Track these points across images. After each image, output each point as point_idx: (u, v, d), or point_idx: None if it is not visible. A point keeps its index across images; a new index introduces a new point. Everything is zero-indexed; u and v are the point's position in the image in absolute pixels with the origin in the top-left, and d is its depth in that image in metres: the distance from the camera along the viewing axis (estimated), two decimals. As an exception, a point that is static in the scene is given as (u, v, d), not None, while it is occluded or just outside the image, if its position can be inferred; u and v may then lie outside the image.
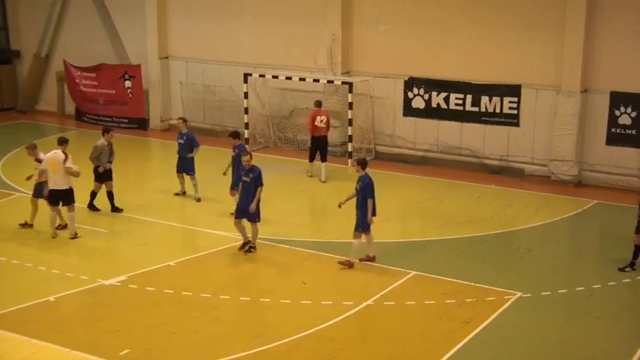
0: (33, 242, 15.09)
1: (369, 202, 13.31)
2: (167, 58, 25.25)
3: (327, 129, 19.68)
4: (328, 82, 21.68)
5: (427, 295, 12.59)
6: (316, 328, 11.39)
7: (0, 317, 11.65)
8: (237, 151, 15.94)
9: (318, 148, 19.58)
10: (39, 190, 15.72)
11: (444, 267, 13.81)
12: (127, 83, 25.41)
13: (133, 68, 25.33)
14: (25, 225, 15.75)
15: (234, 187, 15.58)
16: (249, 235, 14.37)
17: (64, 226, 15.56)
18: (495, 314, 11.92)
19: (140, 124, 25.51)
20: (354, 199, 13.63)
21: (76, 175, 15.19)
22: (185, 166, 17.83)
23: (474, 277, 13.35)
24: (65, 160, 15.18)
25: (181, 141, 17.88)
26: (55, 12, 27.37)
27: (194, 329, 11.41)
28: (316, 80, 21.63)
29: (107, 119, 25.88)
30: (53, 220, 15.32)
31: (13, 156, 22.13)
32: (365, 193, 13.34)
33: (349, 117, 21.09)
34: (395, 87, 21.58)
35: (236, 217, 14.24)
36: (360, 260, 13.70)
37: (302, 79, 21.69)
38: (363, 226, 13.45)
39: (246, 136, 22.73)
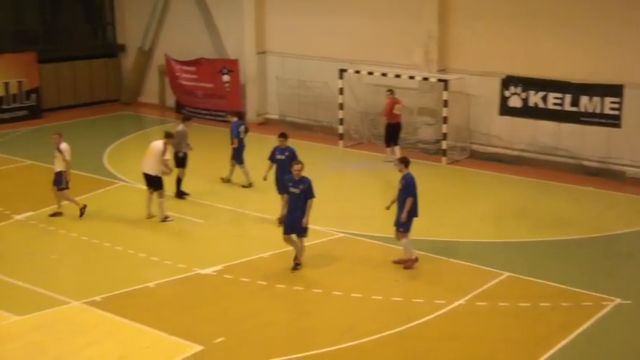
0: (135, 230, 15.60)
1: (408, 201, 13.11)
2: (264, 53, 25.57)
3: (400, 115, 20.87)
4: (423, 79, 21.49)
5: (521, 297, 12.33)
6: (406, 326, 11.33)
7: (103, 300, 12.12)
8: (286, 153, 15.12)
9: (394, 133, 20.57)
10: (59, 181, 15.85)
11: (539, 269, 13.49)
12: (225, 77, 25.87)
13: (230, 63, 25.78)
14: (55, 214, 15.97)
15: (281, 190, 14.66)
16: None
17: (58, 214, 15.86)
18: (592, 320, 11.56)
19: (237, 117, 25.86)
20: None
21: (168, 172, 15.66)
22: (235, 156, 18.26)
23: (570, 280, 12.99)
24: (164, 152, 15.68)
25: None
26: (158, 7, 28.13)
27: (286, 321, 11.54)
28: (411, 77, 21.47)
29: (205, 112, 26.43)
30: (148, 202, 15.90)
31: (118, 146, 22.89)
32: (405, 192, 13.16)
33: (444, 115, 20.86)
34: (491, 85, 21.19)
35: (285, 234, 13.10)
36: (394, 262, 13.49)
37: (397, 76, 21.58)
38: (403, 225, 13.25)
39: (340, 131, 22.79)
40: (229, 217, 16.30)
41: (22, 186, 18.44)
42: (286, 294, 12.49)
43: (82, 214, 15.99)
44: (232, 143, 18.24)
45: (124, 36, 29.49)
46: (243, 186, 18.28)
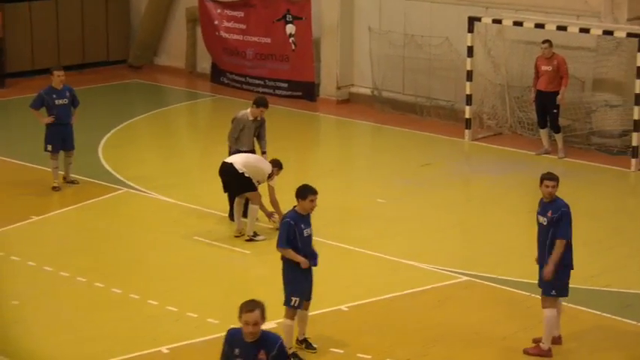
0: (143, 264, 15.82)
1: (560, 244, 12.48)
2: (351, -9, 25.66)
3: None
4: (604, 33, 21.17)
5: None
6: None
7: (90, 372, 12.33)
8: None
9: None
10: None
11: None
12: (289, 28, 25.97)
13: (298, 5, 25.88)
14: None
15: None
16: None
17: None
18: None
19: (306, 90, 26.02)
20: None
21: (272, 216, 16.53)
22: (70, 139, 18.89)
23: None
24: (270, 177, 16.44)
25: (64, 101, 18.80)
26: None
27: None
28: (584, 30, 21.17)
29: (257, 82, 26.60)
30: (237, 208, 16.52)
31: (121, 133, 23.26)
32: (558, 228, 12.57)
33: (636, 91, 20.48)
34: None
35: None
36: (526, 352, 12.89)
37: (561, 28, 21.31)
38: (554, 284, 12.64)
39: (467, 115, 22.62)
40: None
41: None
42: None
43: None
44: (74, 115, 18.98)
45: (136, -37, 30.04)
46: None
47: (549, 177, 12.65)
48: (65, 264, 15.52)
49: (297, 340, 12.76)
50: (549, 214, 12.57)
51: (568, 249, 12.62)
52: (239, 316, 9.13)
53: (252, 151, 17.26)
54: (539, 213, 12.73)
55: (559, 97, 20.86)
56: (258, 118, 17.39)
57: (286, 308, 12.48)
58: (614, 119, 21.67)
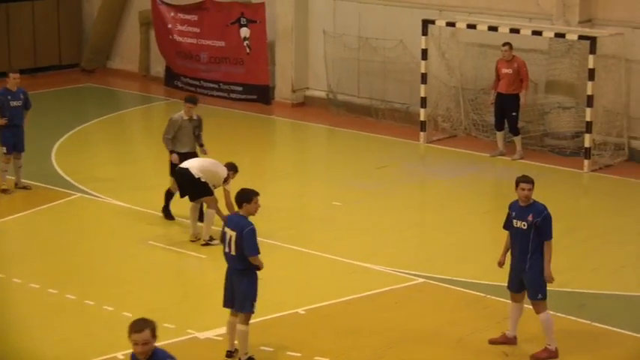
0: (98, 269, 15.73)
1: (548, 245, 12.66)
2: (312, -6, 25.69)
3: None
4: (556, 35, 21.33)
5: None
6: None
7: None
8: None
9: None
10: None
11: None
12: (244, 31, 25.97)
13: (253, 8, 25.86)
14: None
15: None
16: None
17: None
18: None
19: (261, 94, 26.00)
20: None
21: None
22: (21, 141, 18.91)
23: None
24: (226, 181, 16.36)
25: (18, 102, 18.81)
26: None
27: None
28: (537, 33, 21.31)
29: (212, 85, 26.56)
30: (193, 214, 16.49)
31: (74, 138, 23.12)
32: (544, 231, 12.67)
33: (589, 92, 20.65)
34: (666, 46, 21.01)
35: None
36: (536, 357, 12.91)
37: (514, 31, 21.45)
38: (540, 288, 12.73)
39: (422, 118, 22.71)
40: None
41: None
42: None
43: None
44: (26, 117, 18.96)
45: (87, -35, 29.90)
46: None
47: (525, 180, 12.65)
48: (18, 270, 15.43)
49: (230, 351, 12.73)
50: (530, 217, 12.58)
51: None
52: (128, 336, 8.90)
53: (194, 152, 17.30)
54: (515, 217, 12.70)
55: (522, 100, 21.00)
56: (194, 117, 17.39)
57: (245, 315, 12.46)
58: (567, 121, 21.84)
